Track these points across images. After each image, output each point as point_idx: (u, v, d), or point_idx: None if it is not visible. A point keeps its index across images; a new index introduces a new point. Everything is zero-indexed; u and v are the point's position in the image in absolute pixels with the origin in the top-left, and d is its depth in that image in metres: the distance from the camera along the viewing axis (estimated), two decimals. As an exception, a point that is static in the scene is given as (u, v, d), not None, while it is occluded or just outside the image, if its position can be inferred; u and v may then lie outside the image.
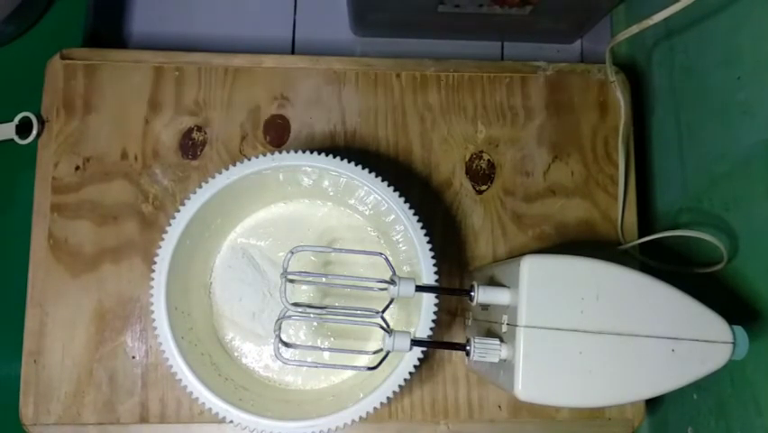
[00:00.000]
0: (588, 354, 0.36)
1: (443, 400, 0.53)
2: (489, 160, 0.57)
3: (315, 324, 0.50)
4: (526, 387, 0.36)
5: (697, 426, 0.52)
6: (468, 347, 0.39)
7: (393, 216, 0.45)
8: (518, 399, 0.36)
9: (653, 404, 0.58)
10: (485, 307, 0.45)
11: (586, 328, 0.36)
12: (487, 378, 0.45)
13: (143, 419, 0.51)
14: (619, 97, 0.57)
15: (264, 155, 0.45)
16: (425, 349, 0.43)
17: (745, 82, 0.48)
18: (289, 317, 0.41)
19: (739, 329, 0.38)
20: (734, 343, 0.37)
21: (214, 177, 0.44)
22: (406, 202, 0.45)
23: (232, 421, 0.41)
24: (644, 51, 0.65)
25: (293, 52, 0.79)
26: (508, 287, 0.40)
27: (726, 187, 0.50)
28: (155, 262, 0.43)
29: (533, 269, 0.37)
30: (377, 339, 0.49)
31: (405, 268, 0.48)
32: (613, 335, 0.36)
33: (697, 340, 0.37)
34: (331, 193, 0.49)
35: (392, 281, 0.40)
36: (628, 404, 0.54)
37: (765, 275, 0.46)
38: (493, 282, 0.43)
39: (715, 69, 0.52)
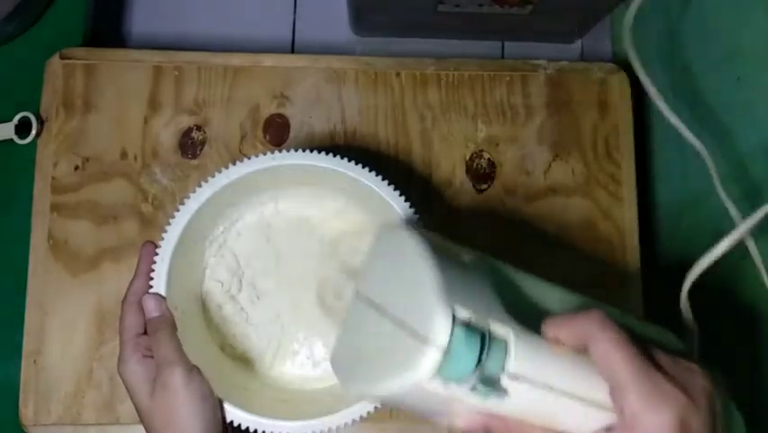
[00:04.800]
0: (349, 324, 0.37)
1: (443, 399, 0.53)
2: (489, 158, 0.57)
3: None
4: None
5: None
6: None
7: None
8: None
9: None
10: None
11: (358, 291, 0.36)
12: None
13: (143, 419, 0.51)
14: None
15: (264, 154, 0.44)
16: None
17: (744, 82, 0.48)
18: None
19: (465, 334, 0.23)
20: (446, 351, 0.24)
21: (213, 176, 0.44)
22: (406, 201, 0.45)
23: (232, 421, 0.41)
24: (645, 51, 0.65)
25: (293, 52, 0.79)
26: None
27: (726, 187, 0.50)
28: (155, 262, 0.43)
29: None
30: None
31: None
32: (362, 301, 0.35)
33: (401, 327, 0.28)
34: (331, 192, 0.49)
35: None
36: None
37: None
38: None
39: (715, 69, 0.52)
